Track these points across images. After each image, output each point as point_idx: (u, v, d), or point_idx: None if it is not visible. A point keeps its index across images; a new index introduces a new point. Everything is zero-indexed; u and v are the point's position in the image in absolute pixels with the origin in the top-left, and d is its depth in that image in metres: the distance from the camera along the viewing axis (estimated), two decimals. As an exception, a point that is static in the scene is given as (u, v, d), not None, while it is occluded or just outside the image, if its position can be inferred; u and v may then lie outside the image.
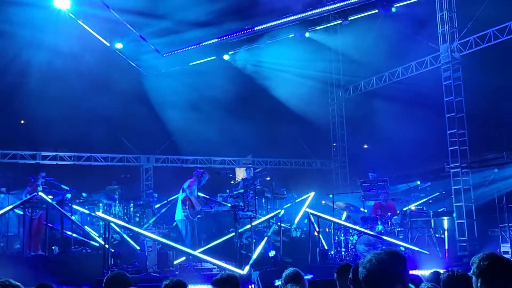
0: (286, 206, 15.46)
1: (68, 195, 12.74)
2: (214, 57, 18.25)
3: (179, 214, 12.05)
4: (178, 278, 5.21)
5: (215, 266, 10.58)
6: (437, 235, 13.30)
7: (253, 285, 9.50)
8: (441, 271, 6.32)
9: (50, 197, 12.09)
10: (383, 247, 11.49)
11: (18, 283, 2.60)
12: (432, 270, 6.42)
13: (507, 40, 15.02)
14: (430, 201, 15.52)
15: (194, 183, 12.20)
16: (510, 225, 15.13)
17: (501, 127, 16.03)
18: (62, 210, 11.90)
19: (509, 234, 15.04)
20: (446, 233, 13.46)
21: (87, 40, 16.24)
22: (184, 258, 12.03)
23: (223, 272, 5.66)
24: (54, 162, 17.91)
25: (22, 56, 15.39)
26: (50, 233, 11.96)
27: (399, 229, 13.34)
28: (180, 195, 12.13)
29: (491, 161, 16.27)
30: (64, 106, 16.06)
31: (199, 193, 12.76)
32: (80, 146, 18.04)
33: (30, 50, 15.33)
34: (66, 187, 12.82)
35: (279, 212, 12.90)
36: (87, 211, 14.41)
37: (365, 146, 22.67)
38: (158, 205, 16.00)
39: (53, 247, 12.25)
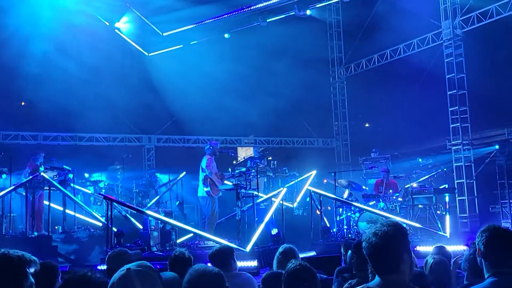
0: (288, 185, 15.49)
1: (70, 175, 12.75)
2: (215, 36, 18.13)
3: (201, 191, 12.06)
4: (181, 251, 5.27)
5: (218, 245, 10.63)
6: (438, 212, 13.33)
7: (255, 262, 9.55)
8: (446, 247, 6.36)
9: (52, 176, 12.13)
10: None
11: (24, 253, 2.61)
12: (436, 245, 6.45)
13: (510, 16, 14.90)
14: (431, 179, 15.55)
15: (212, 160, 12.13)
16: (511, 201, 15.19)
17: (503, 104, 15.99)
18: (64, 190, 11.94)
19: (509, 210, 15.11)
20: (447, 210, 13.50)
21: (86, 20, 16.16)
22: (187, 236, 12.12)
23: (217, 245, 5.71)
24: (55, 143, 17.92)
25: (21, 38, 15.32)
26: (53, 213, 12.01)
27: (402, 206, 13.38)
28: (200, 175, 12.11)
29: (492, 137, 16.28)
30: (65, 87, 16.02)
31: None
32: (82, 126, 18.01)
33: (29, 30, 15.26)
34: (68, 167, 12.83)
35: (282, 190, 12.91)
36: (89, 191, 14.46)
37: (367, 125, 22.64)
38: (161, 185, 16.06)
39: (56, 227, 12.32)
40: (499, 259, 3.36)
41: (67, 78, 16.21)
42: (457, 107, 15.89)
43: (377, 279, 2.91)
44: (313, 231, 12.44)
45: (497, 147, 15.88)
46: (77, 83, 16.42)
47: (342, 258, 6.75)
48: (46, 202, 11.83)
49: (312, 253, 10.78)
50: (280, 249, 5.48)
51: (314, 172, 16.26)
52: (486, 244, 3.40)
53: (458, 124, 15.89)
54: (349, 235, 12.54)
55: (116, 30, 17.35)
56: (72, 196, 12.26)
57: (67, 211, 12.18)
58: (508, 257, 3.39)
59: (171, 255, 5.26)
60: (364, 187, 15.26)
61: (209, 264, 4.59)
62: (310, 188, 13.43)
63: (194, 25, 17.74)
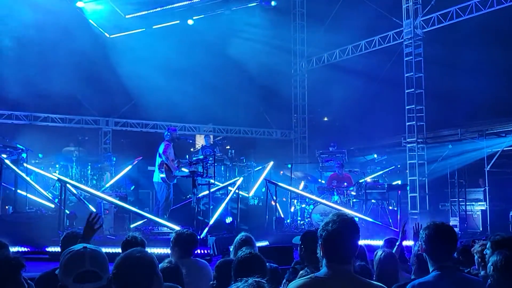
0: (245, 175, 15.56)
1: (24, 155, 12.47)
2: (178, 21, 17.97)
3: (156, 176, 11.98)
4: (134, 235, 5.28)
5: (171, 231, 10.62)
6: (390, 207, 13.64)
7: (209, 251, 9.60)
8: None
9: (5, 156, 11.84)
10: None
11: None
12: (387, 238, 6.64)
13: (468, 19, 15.29)
14: (385, 175, 15.89)
15: (169, 146, 12.05)
16: (460, 200, 15.66)
17: (457, 105, 16.41)
18: (16, 169, 11.68)
19: (458, 209, 15.57)
20: (399, 205, 13.82)
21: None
22: (141, 221, 12.06)
23: (186, 230, 5.76)
24: (9, 121, 17.48)
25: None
26: (4, 193, 11.74)
27: (355, 200, 13.64)
28: (157, 160, 12.02)
29: (446, 137, 16.70)
30: (21, 65, 15.61)
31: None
32: (38, 106, 17.60)
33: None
34: (21, 147, 12.54)
35: (238, 180, 12.97)
36: (43, 172, 14.17)
37: (325, 119, 22.88)
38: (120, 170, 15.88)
39: (6, 207, 12.03)
40: (441, 254, 3.53)
41: (24, 56, 15.79)
42: (413, 106, 16.20)
43: (324, 269, 2.98)
44: (267, 221, 12.56)
45: (450, 146, 16.31)
46: (35, 61, 16.00)
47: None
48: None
49: (265, 243, 10.87)
50: (238, 237, 5.57)
51: (271, 163, 16.36)
52: (428, 241, 3.57)
53: (414, 122, 16.21)
54: (303, 227, 12.72)
55: (78, 10, 16.96)
56: (25, 176, 12.00)
57: (18, 191, 11.91)
58: (449, 252, 3.56)
59: (124, 239, 5.27)
60: (321, 181, 15.46)
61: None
62: (266, 179, 13.54)
63: (157, 9, 17.52)
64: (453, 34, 16.25)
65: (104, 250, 2.98)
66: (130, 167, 15.12)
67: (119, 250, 7.61)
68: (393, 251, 5.66)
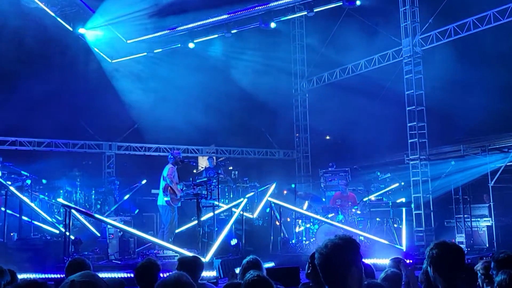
0: (248, 195, 15.56)
1: (28, 181, 12.53)
2: (179, 45, 18.16)
3: (161, 200, 12.01)
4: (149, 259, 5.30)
5: (177, 254, 10.62)
6: (395, 225, 13.61)
7: (214, 272, 9.58)
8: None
9: (9, 182, 11.90)
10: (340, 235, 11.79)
11: None
12: (392, 257, 6.61)
13: (466, 36, 15.40)
14: (389, 192, 15.86)
15: (173, 169, 12.11)
16: (465, 216, 15.61)
17: (458, 121, 16.44)
18: (21, 196, 11.72)
19: (464, 225, 15.51)
20: (404, 223, 13.79)
21: (48, 23, 15.98)
22: (146, 245, 12.05)
23: (190, 254, 5.79)
24: (13, 148, 17.55)
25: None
26: (9, 219, 11.77)
27: (359, 219, 13.62)
28: (161, 183, 12.05)
29: (448, 153, 16.71)
30: (25, 91, 15.75)
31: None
32: (41, 131, 17.70)
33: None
34: (26, 173, 12.61)
35: (242, 201, 12.97)
36: (47, 198, 14.22)
37: (327, 138, 22.92)
38: (121, 193, 15.91)
39: (11, 234, 12.06)
40: (450, 273, 3.54)
41: (27, 82, 15.94)
42: (415, 123, 16.25)
43: None
44: (272, 242, 12.53)
45: (453, 163, 16.30)
46: (37, 87, 16.13)
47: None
48: (2, 208, 11.58)
49: (271, 264, 10.85)
50: (246, 260, 5.55)
51: (274, 184, 16.35)
52: (436, 260, 3.58)
53: (416, 139, 16.25)
54: (308, 247, 12.68)
55: (80, 36, 17.16)
56: (29, 203, 12.04)
57: (23, 217, 11.93)
58: (457, 270, 3.57)
59: (139, 264, 5.27)
60: (323, 199, 15.45)
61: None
62: (270, 199, 13.54)
63: (158, 34, 17.72)
64: (452, 51, 16.33)
65: (110, 275, 3.00)
66: (134, 190, 15.17)
67: (125, 274, 7.63)
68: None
